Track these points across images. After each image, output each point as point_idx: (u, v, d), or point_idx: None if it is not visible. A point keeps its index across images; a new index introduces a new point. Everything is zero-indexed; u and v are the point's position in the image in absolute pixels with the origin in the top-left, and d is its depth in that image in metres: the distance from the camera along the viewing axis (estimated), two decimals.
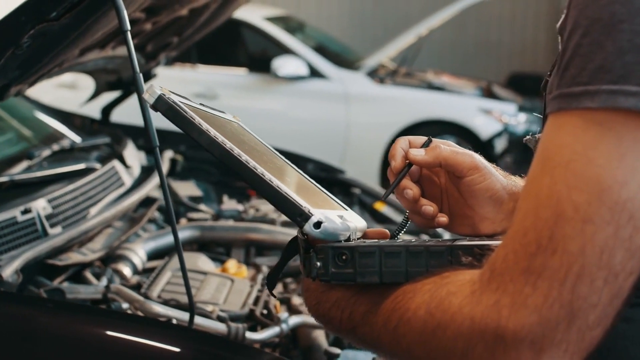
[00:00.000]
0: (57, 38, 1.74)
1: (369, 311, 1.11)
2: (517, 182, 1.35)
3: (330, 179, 3.46)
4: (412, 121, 7.29)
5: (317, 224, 1.12)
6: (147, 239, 2.60)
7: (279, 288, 2.51)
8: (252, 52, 8.06)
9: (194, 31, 2.99)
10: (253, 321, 2.20)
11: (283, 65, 7.27)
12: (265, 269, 2.52)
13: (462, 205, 1.31)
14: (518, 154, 7.12)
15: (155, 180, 2.76)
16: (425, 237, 2.65)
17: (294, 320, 2.13)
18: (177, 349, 1.78)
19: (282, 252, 1.33)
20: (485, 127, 7.24)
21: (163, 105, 1.17)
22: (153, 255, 2.59)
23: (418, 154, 1.29)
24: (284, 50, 7.52)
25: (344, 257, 1.12)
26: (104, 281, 2.23)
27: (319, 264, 1.13)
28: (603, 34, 0.88)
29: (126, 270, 2.40)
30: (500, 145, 7.17)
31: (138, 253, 2.49)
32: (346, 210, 1.36)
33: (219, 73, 7.61)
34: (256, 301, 2.30)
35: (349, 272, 1.12)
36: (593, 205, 0.86)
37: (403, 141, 1.32)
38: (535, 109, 7.75)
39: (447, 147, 1.31)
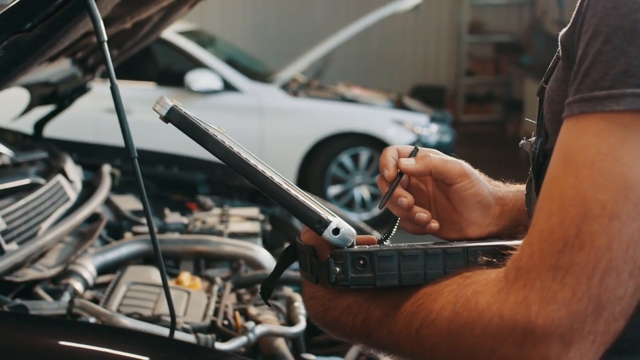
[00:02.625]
0: (29, 49, 1.72)
1: (387, 315, 1.13)
2: (500, 187, 1.40)
3: None
4: (326, 133, 7.37)
5: (336, 231, 1.14)
6: (96, 253, 2.57)
7: (231, 299, 2.51)
8: (161, 66, 8.00)
9: (133, 44, 2.97)
10: (215, 332, 2.20)
11: (197, 79, 7.25)
12: (218, 281, 2.52)
13: (449, 212, 1.35)
14: None
15: (101, 194, 2.74)
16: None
17: (260, 329, 2.14)
18: (146, 358, 1.79)
19: (278, 261, 1.35)
20: (398, 138, 7.37)
21: (176, 116, 1.17)
22: (102, 270, 2.56)
23: (409, 163, 1.31)
24: (196, 64, 7.50)
25: (361, 262, 1.14)
26: (66, 296, 2.19)
27: (337, 269, 1.14)
28: (625, 40, 0.94)
29: (78, 286, 2.36)
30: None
31: (88, 268, 2.45)
32: (334, 217, 1.39)
33: (129, 88, 7.52)
34: (216, 312, 2.30)
35: (368, 277, 1.13)
36: (619, 202, 0.91)
37: (392, 150, 1.34)
38: (446, 119, 7.94)
39: (435, 155, 1.35)
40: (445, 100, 12.27)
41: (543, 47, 10.26)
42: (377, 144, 7.41)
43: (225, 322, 2.26)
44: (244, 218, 3.04)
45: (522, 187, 1.41)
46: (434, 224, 1.33)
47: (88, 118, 6.99)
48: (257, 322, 2.30)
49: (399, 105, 8.03)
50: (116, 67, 3.29)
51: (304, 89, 7.85)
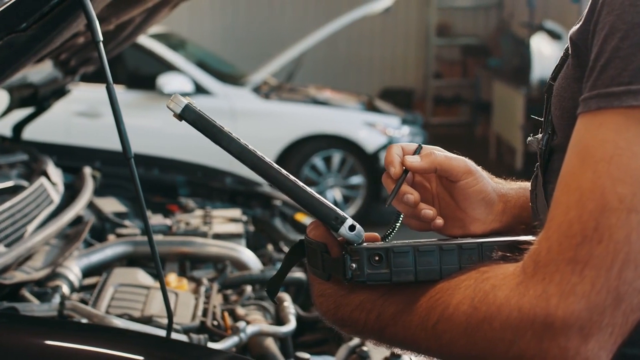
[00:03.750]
0: (23, 49, 1.71)
1: (402, 311, 1.14)
2: (503, 184, 1.41)
3: (250, 192, 3.48)
4: (298, 136, 7.38)
5: (352, 227, 1.15)
6: (80, 256, 2.56)
7: (218, 300, 2.51)
8: (131, 69, 7.95)
9: (115, 46, 2.96)
10: (206, 332, 2.20)
11: (168, 82, 7.22)
12: (205, 282, 2.52)
13: (453, 208, 1.36)
14: None
15: (85, 196, 2.72)
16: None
17: (252, 329, 2.14)
18: (141, 357, 1.79)
19: (284, 259, 1.35)
20: (370, 140, 7.40)
21: (191, 114, 1.18)
22: (87, 272, 2.55)
23: (414, 160, 1.32)
24: (167, 67, 7.47)
25: (377, 258, 1.14)
26: (56, 298, 2.18)
27: (354, 265, 1.15)
28: None
29: (64, 288, 2.35)
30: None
31: (73, 270, 2.44)
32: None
33: (98, 91, 7.44)
34: (204, 313, 2.30)
35: (384, 272, 1.14)
36: (637, 195, 0.92)
37: (396, 148, 1.34)
38: (417, 121, 7.99)
39: (440, 152, 1.35)
40: (413, 102, 12.33)
41: (511, 49, 10.34)
42: (349, 146, 7.44)
43: (215, 323, 2.26)
44: (226, 219, 3.04)
45: (523, 184, 1.42)
46: (439, 221, 1.33)
47: (59, 121, 6.93)
48: (247, 322, 2.31)
49: (370, 107, 8.06)
50: (96, 69, 3.29)
51: (275, 91, 7.86)
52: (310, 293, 1.32)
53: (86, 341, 1.84)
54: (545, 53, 8.72)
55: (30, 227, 2.38)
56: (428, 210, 1.32)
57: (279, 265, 2.88)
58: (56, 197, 2.71)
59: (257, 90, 7.66)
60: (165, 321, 2.16)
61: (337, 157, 7.54)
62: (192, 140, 7.15)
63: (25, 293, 2.26)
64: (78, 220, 2.80)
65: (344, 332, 1.28)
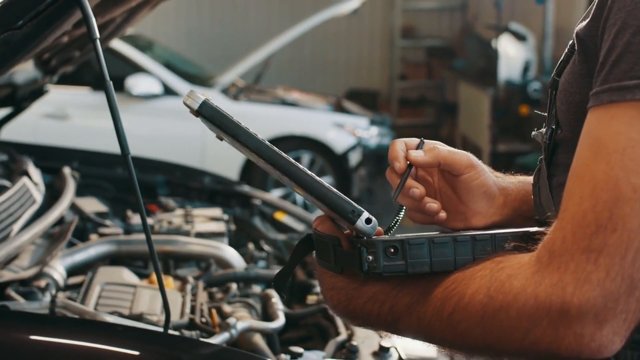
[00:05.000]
0: (18, 47, 1.71)
1: (416, 302, 1.16)
2: (503, 177, 1.44)
3: (228, 192, 3.49)
4: (268, 137, 7.37)
5: (368, 220, 1.18)
6: (64, 255, 2.55)
7: (204, 297, 2.52)
8: (97, 70, 7.89)
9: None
10: (195, 329, 2.21)
11: (137, 84, 7.20)
12: (191, 280, 2.53)
13: (455, 202, 1.39)
14: (372, 166, 7.35)
15: (69, 195, 2.72)
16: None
17: (242, 325, 2.16)
18: (136, 352, 1.81)
19: (292, 253, 1.37)
20: (339, 141, 7.43)
21: (209, 109, 1.19)
22: (70, 272, 2.55)
23: (419, 155, 1.34)
24: (135, 68, 7.44)
25: (392, 250, 1.16)
26: (47, 296, 2.18)
27: (370, 257, 1.16)
28: None
29: (49, 287, 2.35)
30: (354, 158, 7.37)
31: (58, 269, 2.44)
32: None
33: (64, 93, 7.41)
34: (192, 310, 2.32)
35: (400, 264, 1.16)
36: None
37: (400, 143, 1.37)
38: (385, 122, 8.04)
39: (443, 147, 1.38)
40: (378, 104, 12.39)
41: (476, 51, 10.44)
42: (318, 147, 7.46)
43: (204, 320, 2.27)
44: (208, 218, 3.05)
45: (522, 178, 1.45)
46: (443, 214, 1.36)
47: (27, 123, 6.86)
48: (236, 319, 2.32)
49: (339, 108, 8.09)
50: (74, 70, 3.29)
51: (244, 93, 7.86)
52: (320, 287, 1.33)
53: (81, 337, 1.85)
54: (511, 54, 8.82)
55: (16, 227, 2.38)
56: (433, 204, 1.35)
57: (261, 263, 2.90)
58: (39, 197, 2.70)
59: (225, 91, 7.65)
60: (155, 318, 2.17)
61: (306, 157, 7.57)
62: (158, 141, 7.20)
63: (11, 292, 2.26)
64: (60, 220, 2.79)
65: (355, 324, 1.30)
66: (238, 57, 8.36)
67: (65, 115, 7.17)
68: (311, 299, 2.62)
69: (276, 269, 2.80)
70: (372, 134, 7.58)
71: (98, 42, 1.63)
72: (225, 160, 7.25)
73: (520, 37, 9.00)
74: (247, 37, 11.99)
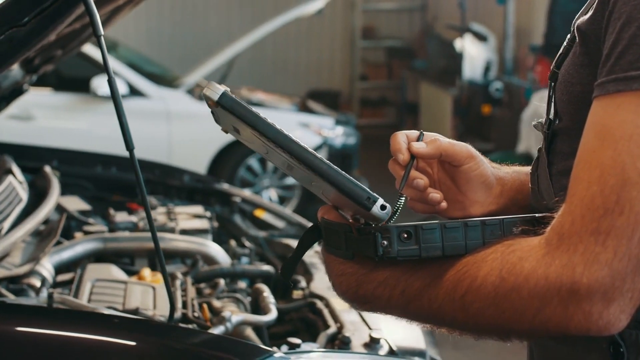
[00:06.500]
0: (21, 43, 1.72)
1: (428, 285, 1.20)
2: (499, 168, 1.49)
3: (208, 190, 3.52)
4: (234, 137, 7.37)
5: (383, 206, 1.21)
6: (51, 253, 2.57)
7: (192, 293, 2.55)
8: (61, 71, 7.85)
9: (77, 44, 2.97)
10: (189, 323, 2.24)
11: (102, 84, 7.16)
12: (180, 275, 2.55)
13: (454, 192, 1.43)
14: (337, 165, 7.35)
15: (55, 193, 2.73)
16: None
17: (237, 318, 2.20)
18: (133, 343, 1.83)
19: (299, 243, 1.41)
20: (305, 141, 7.23)
21: (228, 100, 1.22)
22: (58, 269, 2.56)
23: (421, 146, 1.37)
24: (100, 69, 7.39)
25: (405, 235, 1.19)
26: (44, 292, 2.20)
27: (385, 242, 1.20)
28: None
29: (39, 284, 2.36)
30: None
31: (46, 267, 2.45)
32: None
33: (29, 94, 7.33)
34: (184, 305, 2.34)
35: (413, 248, 1.19)
36: None
37: (402, 135, 1.39)
38: (350, 122, 8.09)
39: (443, 138, 1.42)
40: (340, 104, 12.44)
41: (437, 51, 10.55)
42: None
43: (196, 314, 2.30)
44: (191, 216, 3.08)
45: (517, 169, 1.50)
46: (444, 204, 1.40)
47: None
48: (219, 314, 2.35)
49: (304, 108, 8.12)
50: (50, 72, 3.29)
51: None
52: (328, 274, 1.37)
53: (80, 328, 1.87)
54: (472, 54, 8.93)
55: (6, 224, 2.38)
56: (435, 194, 1.38)
57: (244, 260, 2.94)
58: (24, 195, 2.71)
59: (191, 92, 7.65)
60: (150, 313, 2.20)
61: None
62: (120, 141, 7.12)
63: (2, 289, 2.27)
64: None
65: (364, 309, 1.33)
66: (198, 58, 8.35)
67: (30, 116, 7.11)
68: (297, 294, 2.66)
69: (260, 265, 2.84)
70: (338, 134, 7.63)
71: (102, 39, 1.65)
72: (191, 161, 7.25)
73: (481, 38, 9.11)
74: (207, 38, 11.98)
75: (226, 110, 1.22)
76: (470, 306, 1.14)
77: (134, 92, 7.33)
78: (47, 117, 7.22)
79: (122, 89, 7.20)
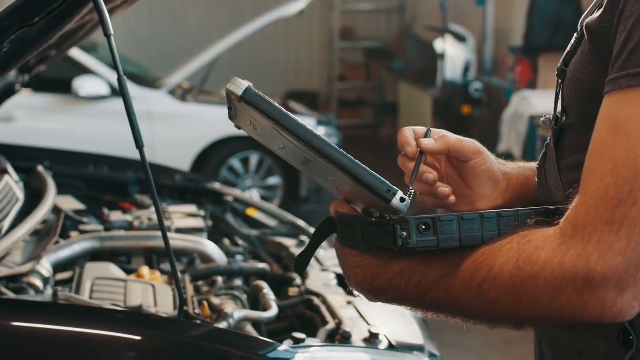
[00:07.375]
0: (31, 42, 1.74)
1: (444, 275, 1.23)
2: (505, 163, 1.53)
3: (199, 189, 3.54)
4: (216, 137, 7.41)
5: (402, 199, 1.25)
6: (49, 251, 2.58)
7: (190, 291, 2.57)
8: (41, 71, 7.81)
9: (70, 45, 2.98)
10: (190, 320, 2.26)
11: (84, 85, 7.16)
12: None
13: (461, 186, 1.47)
14: None
15: (52, 192, 2.75)
16: None
17: (239, 314, 2.22)
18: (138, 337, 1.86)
19: (312, 236, 1.44)
20: None
21: (252, 95, 1.25)
22: (55, 268, 2.57)
23: (429, 142, 1.41)
24: (81, 70, 7.38)
25: (423, 227, 1.23)
26: (48, 290, 2.21)
27: (404, 233, 1.23)
28: None
29: (38, 283, 2.37)
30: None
31: (44, 265, 2.47)
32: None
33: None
34: (184, 302, 2.36)
35: (432, 239, 1.23)
36: None
37: (409, 131, 1.43)
38: (331, 122, 8.12)
39: (451, 135, 1.46)
40: (318, 105, 12.47)
41: (415, 51, 10.60)
42: (266, 147, 7.48)
43: (196, 311, 2.32)
44: (185, 214, 3.10)
45: (521, 164, 1.55)
46: (452, 197, 1.43)
47: None
48: (218, 311, 2.37)
49: (285, 108, 8.13)
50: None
51: (190, 94, 7.86)
52: (342, 266, 1.40)
53: (83, 323, 1.89)
54: (451, 55, 8.99)
55: (6, 223, 2.40)
56: (444, 188, 1.42)
57: (238, 258, 2.96)
58: (21, 194, 2.72)
59: (172, 92, 7.65)
60: (152, 310, 2.22)
61: (254, 158, 7.61)
62: (107, 142, 7.14)
63: (1, 288, 2.28)
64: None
65: (379, 299, 1.35)
66: (176, 59, 8.34)
67: (11, 117, 7.08)
68: (292, 291, 2.69)
69: (255, 263, 2.87)
70: (320, 133, 7.65)
71: (112, 38, 1.67)
72: (174, 162, 7.23)
73: (460, 38, 9.17)
74: (185, 39, 11.96)
75: (249, 104, 1.25)
76: (487, 294, 1.17)
77: (115, 92, 7.32)
78: (28, 118, 7.20)
79: (103, 89, 7.20)
